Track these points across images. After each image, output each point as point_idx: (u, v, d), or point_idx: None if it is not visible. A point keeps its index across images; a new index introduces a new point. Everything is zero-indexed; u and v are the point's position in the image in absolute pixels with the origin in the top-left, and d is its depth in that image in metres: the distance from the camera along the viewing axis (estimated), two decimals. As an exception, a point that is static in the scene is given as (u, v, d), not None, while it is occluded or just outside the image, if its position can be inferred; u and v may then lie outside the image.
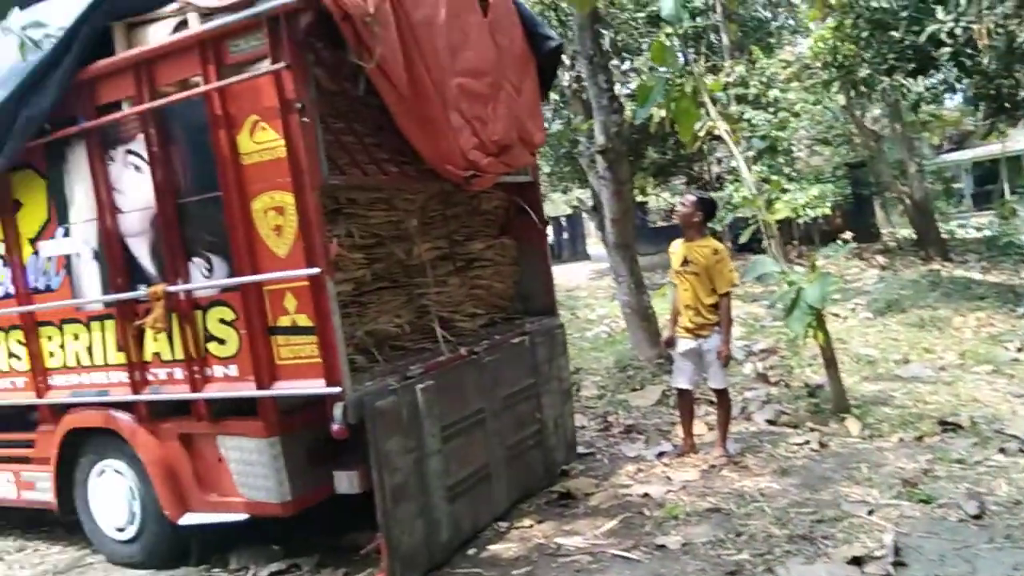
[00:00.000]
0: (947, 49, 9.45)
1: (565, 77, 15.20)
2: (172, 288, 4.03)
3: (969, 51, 9.47)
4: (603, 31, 16.19)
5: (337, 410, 3.57)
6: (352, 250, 4.19)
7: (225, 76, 3.76)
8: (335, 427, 3.56)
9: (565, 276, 21.21)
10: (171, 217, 4.03)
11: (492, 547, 4.22)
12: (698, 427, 5.76)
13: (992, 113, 11.78)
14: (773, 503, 4.35)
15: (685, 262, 5.27)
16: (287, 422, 3.95)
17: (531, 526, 4.45)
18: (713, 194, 15.63)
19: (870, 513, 4.04)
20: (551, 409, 5.21)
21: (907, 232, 17.30)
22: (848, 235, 16.44)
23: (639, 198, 28.04)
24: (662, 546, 3.96)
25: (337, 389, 3.59)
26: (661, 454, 5.50)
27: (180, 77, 3.96)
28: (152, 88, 3.99)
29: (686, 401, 5.45)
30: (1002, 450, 4.86)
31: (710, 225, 5.78)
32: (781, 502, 4.36)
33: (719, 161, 19.58)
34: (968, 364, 7.22)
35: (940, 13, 9.23)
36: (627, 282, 8.20)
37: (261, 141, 3.73)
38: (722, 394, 5.31)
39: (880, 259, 15.26)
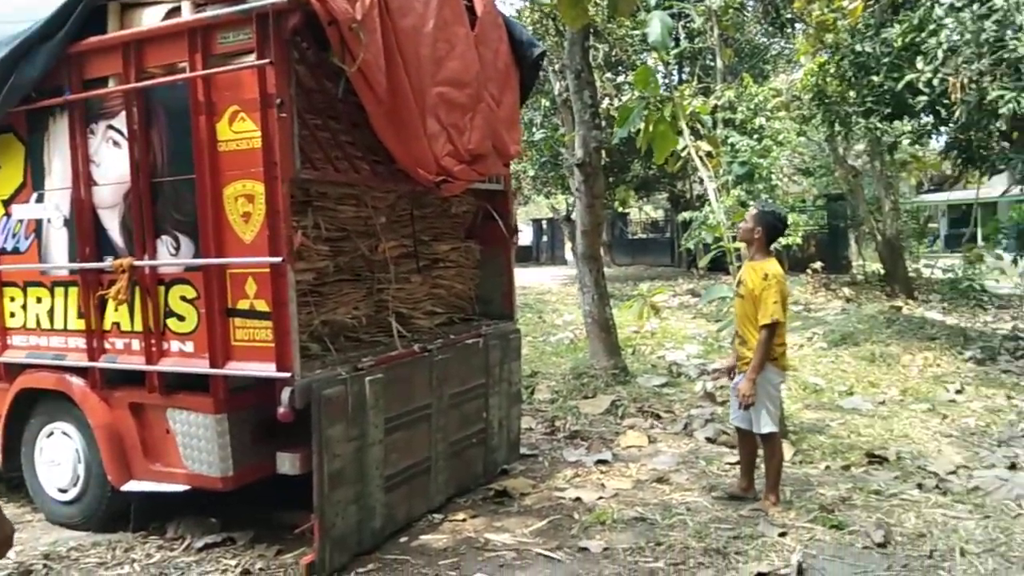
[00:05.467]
0: (924, 98, 9.75)
1: (557, 86, 15.45)
2: (138, 263, 4.19)
3: (944, 102, 9.78)
4: (597, 46, 16.46)
5: (284, 394, 3.74)
6: (317, 241, 4.36)
7: (211, 65, 3.93)
8: (281, 410, 3.74)
9: (539, 279, 21.47)
10: (144, 194, 4.18)
11: (423, 537, 4.41)
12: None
13: (964, 162, 12.14)
14: (696, 517, 4.58)
15: (739, 283, 4.87)
16: (236, 400, 4.12)
17: (464, 520, 4.65)
18: (688, 214, 16.01)
19: (783, 534, 4.27)
20: (498, 410, 5.40)
21: (876, 267, 17.70)
22: (818, 264, 16.90)
23: (621, 209, 28.41)
24: (585, 549, 4.17)
25: (287, 374, 3.77)
26: (600, 461, 5.72)
27: (167, 61, 4.12)
28: (139, 69, 4.14)
29: (742, 441, 4.95)
30: (919, 485, 5.12)
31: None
32: (704, 517, 4.59)
33: (701, 181, 19.91)
34: (907, 401, 7.52)
35: (920, 63, 9.53)
36: (591, 293, 8.44)
37: (239, 131, 3.89)
38: (768, 438, 4.70)
39: (847, 291, 15.62)
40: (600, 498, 4.96)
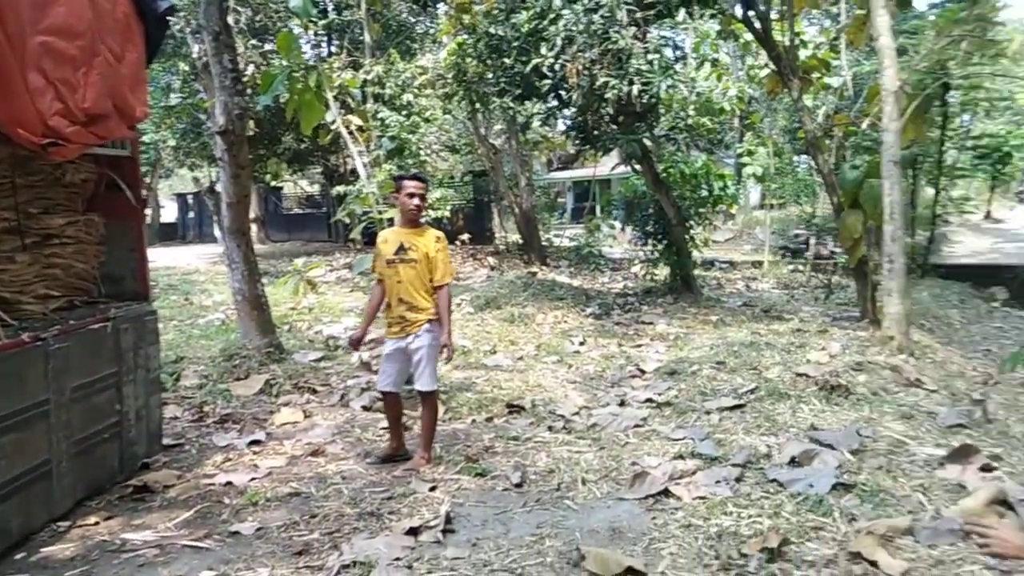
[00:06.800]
0: (548, 81, 10.80)
1: (196, 49, 14.38)
2: None
3: (565, 86, 10.93)
4: (239, 9, 15.63)
5: None
6: None
7: None
8: None
9: (186, 258, 20.02)
10: None
11: (45, 549, 3.88)
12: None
13: (582, 142, 13.71)
14: (351, 484, 4.65)
15: (401, 249, 4.87)
16: None
17: (96, 523, 4.19)
18: (343, 188, 16.02)
19: (433, 489, 4.52)
20: (134, 400, 4.94)
21: (516, 237, 19.35)
22: (466, 236, 18.03)
23: (274, 184, 27.50)
24: (236, 532, 4.02)
25: None
26: (253, 442, 5.53)
27: None
28: None
29: (391, 404, 5.10)
30: (550, 428, 5.75)
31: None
32: (359, 483, 4.68)
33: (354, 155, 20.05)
34: (541, 355, 8.38)
35: (544, 49, 10.53)
36: (241, 269, 8.05)
37: None
38: (429, 396, 4.97)
39: (491, 260, 16.90)
40: (253, 479, 4.81)
